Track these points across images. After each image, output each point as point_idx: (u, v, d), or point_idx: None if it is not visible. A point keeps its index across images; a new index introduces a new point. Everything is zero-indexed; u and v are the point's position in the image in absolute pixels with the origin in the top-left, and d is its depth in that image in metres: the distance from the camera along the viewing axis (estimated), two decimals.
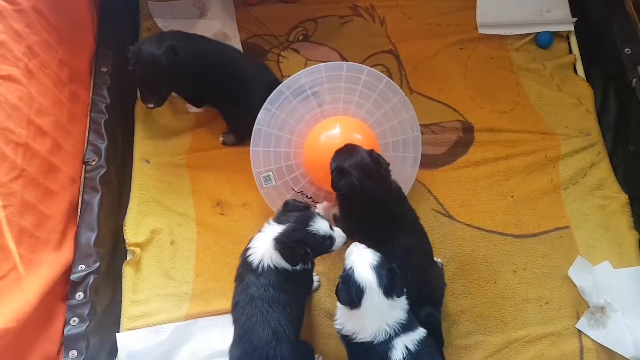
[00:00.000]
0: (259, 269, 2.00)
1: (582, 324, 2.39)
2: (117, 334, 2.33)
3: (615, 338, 2.33)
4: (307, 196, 2.52)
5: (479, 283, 2.49)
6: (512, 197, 2.68)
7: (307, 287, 2.28)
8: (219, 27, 2.99)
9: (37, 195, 2.22)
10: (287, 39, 3.07)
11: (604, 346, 2.34)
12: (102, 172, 2.51)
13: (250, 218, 2.62)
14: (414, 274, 2.07)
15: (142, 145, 2.77)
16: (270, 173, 2.49)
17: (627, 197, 2.63)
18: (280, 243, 1.97)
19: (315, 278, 2.44)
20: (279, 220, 2.03)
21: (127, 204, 2.63)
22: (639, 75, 2.69)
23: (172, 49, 2.45)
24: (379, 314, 1.91)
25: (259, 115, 2.42)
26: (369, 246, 2.00)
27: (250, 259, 2.02)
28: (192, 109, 2.84)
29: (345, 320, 2.00)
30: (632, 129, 2.66)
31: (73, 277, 2.29)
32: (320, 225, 2.00)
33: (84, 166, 2.52)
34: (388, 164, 2.22)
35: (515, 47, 3.05)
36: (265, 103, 2.42)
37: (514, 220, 2.62)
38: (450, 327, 2.40)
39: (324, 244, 2.02)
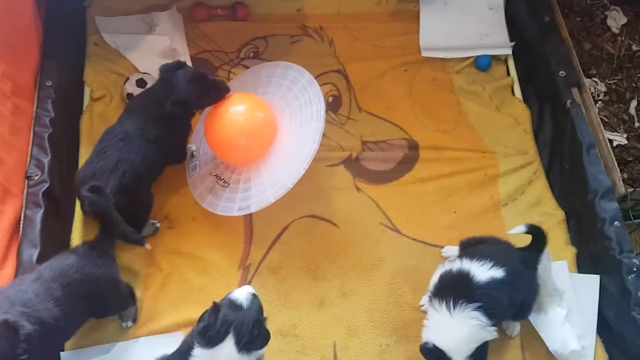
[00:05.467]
0: None
1: None
2: (61, 353, 2.26)
3: (548, 328, 2.42)
4: (220, 178, 2.61)
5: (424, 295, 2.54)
6: (455, 212, 2.77)
7: None
8: (167, 43, 2.99)
9: None
10: (237, 56, 3.09)
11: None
12: (45, 187, 2.44)
13: (199, 232, 2.61)
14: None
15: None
16: (197, 162, 2.68)
17: (563, 213, 2.76)
18: (242, 343, 1.88)
19: None
20: (212, 341, 1.88)
21: (72, 221, 2.57)
22: (572, 97, 2.85)
23: None
24: None
25: None
26: None
27: None
28: None
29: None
30: (566, 148, 2.80)
31: None
32: (243, 297, 1.94)
33: (26, 181, 2.45)
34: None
35: (457, 70, 3.17)
36: None
37: (457, 235, 2.65)
38: (400, 341, 2.44)
39: (257, 300, 1.99)
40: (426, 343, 2.15)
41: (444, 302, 2.16)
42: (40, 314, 1.91)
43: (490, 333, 2.16)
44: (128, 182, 2.36)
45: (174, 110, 2.38)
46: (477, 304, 2.13)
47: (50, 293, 1.96)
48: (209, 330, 1.87)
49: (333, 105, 3.00)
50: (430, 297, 2.27)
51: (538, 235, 2.37)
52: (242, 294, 1.95)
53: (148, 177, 2.52)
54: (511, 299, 2.23)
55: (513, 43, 3.19)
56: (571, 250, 2.66)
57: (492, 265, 2.21)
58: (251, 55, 3.11)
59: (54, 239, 2.42)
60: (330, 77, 3.08)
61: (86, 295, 2.07)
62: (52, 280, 2.00)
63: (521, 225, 2.39)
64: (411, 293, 2.55)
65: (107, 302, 2.25)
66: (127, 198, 2.35)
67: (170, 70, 2.44)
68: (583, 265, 2.62)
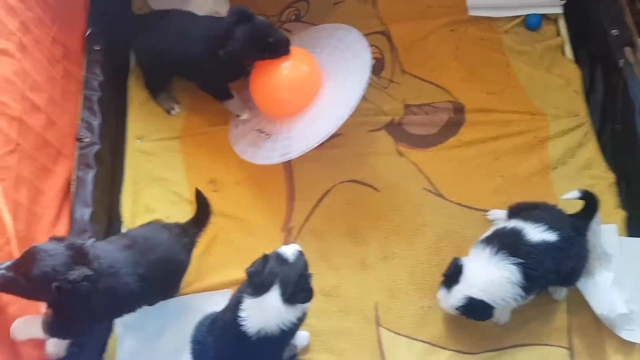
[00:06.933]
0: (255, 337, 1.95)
1: None
2: None
3: (596, 292, 2.37)
4: (262, 131, 2.64)
5: None
6: (502, 176, 2.72)
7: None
8: (210, 4, 2.98)
9: (32, 170, 2.22)
10: (279, 19, 3.08)
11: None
12: (95, 149, 2.52)
13: (244, 196, 2.65)
14: None
15: (135, 123, 2.78)
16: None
17: (614, 176, 2.68)
18: (287, 295, 1.92)
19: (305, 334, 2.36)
20: (258, 289, 1.93)
21: (121, 182, 2.65)
22: (625, 57, 2.73)
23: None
24: None
25: None
26: None
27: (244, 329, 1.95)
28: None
29: None
30: (618, 109, 2.71)
31: None
32: (290, 252, 1.98)
33: (77, 143, 2.52)
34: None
35: (505, 29, 3.08)
36: None
37: (503, 199, 2.61)
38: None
39: (303, 257, 2.02)
40: (459, 259, 2.23)
41: (489, 247, 2.20)
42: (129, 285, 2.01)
43: (514, 296, 2.16)
44: (152, 61, 2.68)
45: (224, 59, 2.41)
46: (519, 260, 2.15)
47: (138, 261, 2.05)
48: (256, 277, 1.93)
49: (375, 68, 2.93)
50: (477, 243, 2.30)
51: (590, 202, 2.33)
52: (289, 250, 1.99)
53: (167, 71, 2.75)
54: (559, 266, 2.21)
55: (564, 1, 3.06)
56: (621, 214, 2.59)
57: (546, 229, 2.20)
58: (293, 17, 3.09)
59: (103, 200, 2.50)
60: (373, 39, 3.01)
61: (163, 275, 2.15)
62: (143, 251, 2.08)
63: (575, 191, 2.35)
64: (454, 256, 2.52)
65: (173, 285, 2.35)
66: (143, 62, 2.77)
67: (238, 18, 2.43)
68: (633, 228, 2.55)
